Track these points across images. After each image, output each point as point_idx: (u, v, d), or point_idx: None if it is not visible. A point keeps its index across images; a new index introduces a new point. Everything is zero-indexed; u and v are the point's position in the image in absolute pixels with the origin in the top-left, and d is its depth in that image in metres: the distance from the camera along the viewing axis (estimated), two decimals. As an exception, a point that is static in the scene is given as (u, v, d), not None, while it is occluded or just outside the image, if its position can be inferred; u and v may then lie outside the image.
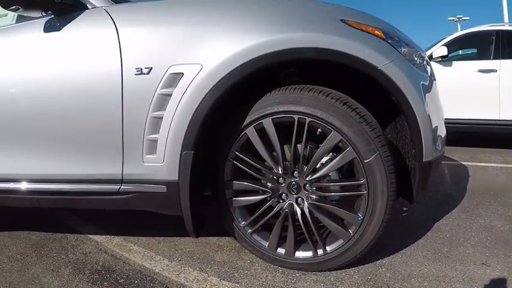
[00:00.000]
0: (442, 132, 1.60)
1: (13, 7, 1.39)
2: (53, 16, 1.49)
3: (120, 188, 1.40)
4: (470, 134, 4.37)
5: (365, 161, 1.26)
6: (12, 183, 1.51)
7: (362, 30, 1.31)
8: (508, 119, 3.88)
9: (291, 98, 1.29)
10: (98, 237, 1.92)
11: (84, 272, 1.55)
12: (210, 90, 1.24)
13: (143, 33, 1.34)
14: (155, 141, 1.32)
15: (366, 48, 1.27)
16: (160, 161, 1.32)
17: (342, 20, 1.32)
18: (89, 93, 1.37)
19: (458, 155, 3.82)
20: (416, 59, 1.45)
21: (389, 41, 1.35)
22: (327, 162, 1.35)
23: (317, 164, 1.35)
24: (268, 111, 1.31)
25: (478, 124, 4.02)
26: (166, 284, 1.41)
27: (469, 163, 3.46)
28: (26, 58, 1.50)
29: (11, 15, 1.84)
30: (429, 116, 1.36)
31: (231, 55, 1.24)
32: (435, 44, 4.48)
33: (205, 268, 1.53)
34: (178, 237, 1.84)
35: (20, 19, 1.72)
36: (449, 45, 4.28)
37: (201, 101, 1.25)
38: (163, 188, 1.35)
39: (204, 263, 1.57)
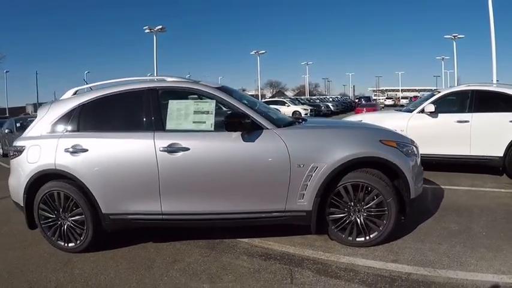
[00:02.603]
0: (421, 178, 3.97)
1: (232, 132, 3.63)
2: (244, 131, 3.63)
3: (283, 214, 3.65)
4: (451, 164, 6.84)
5: (387, 200, 3.55)
6: (227, 214, 3.72)
7: (388, 145, 3.65)
8: (475, 154, 6.39)
9: (358, 176, 3.59)
10: (243, 240, 4.01)
11: (255, 256, 3.64)
12: (329, 174, 3.51)
13: (300, 148, 3.56)
14: (303, 194, 3.56)
15: (388, 154, 3.59)
16: (305, 202, 3.57)
17: (380, 141, 3.67)
18: (275, 173, 3.57)
19: (440, 179, 6.22)
20: (409, 151, 3.80)
21: (399, 147, 3.69)
22: (370, 200, 3.64)
23: (367, 201, 3.64)
24: (348, 181, 3.59)
25: (455, 158, 6.55)
26: (301, 256, 3.59)
27: (446, 186, 5.85)
28: (235, 152, 3.63)
29: (209, 123, 3.71)
30: (414, 178, 3.70)
31: (337, 159, 3.50)
32: (428, 98, 7.04)
33: (313, 248, 3.73)
34: (287, 236, 4.01)
35: (217, 127, 3.71)
36: (437, 100, 6.80)
37: (324, 178, 3.51)
38: (304, 213, 3.60)
39: (311, 246, 3.78)
